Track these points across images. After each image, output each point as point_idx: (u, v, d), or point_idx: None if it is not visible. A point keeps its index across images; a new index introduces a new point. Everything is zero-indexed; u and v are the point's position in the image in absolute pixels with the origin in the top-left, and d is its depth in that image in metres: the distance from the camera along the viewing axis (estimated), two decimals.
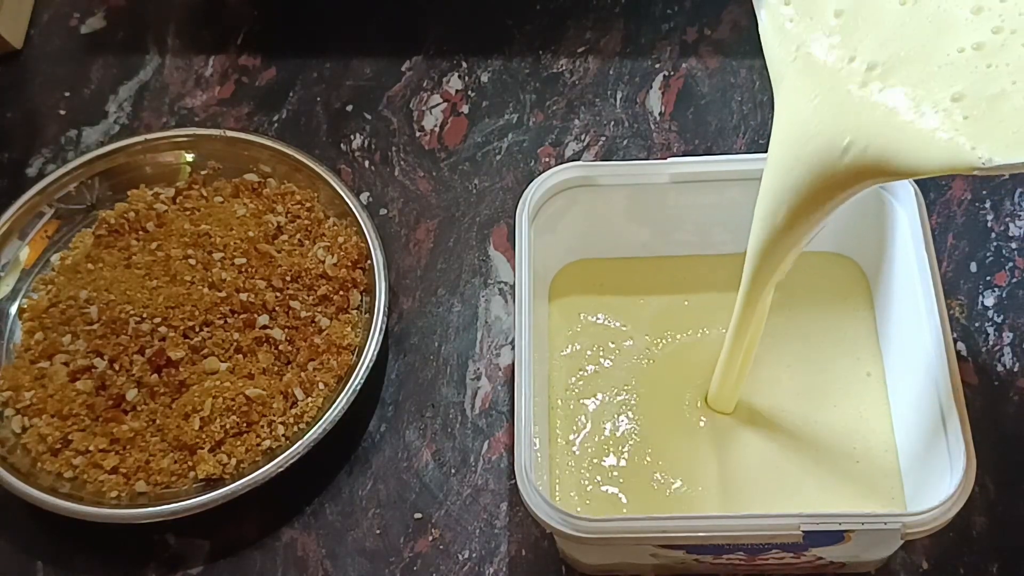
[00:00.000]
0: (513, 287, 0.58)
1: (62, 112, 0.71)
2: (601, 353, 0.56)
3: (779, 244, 0.42)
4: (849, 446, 0.52)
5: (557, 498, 0.52)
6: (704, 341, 0.56)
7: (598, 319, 0.57)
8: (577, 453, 0.53)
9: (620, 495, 0.51)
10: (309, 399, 0.57)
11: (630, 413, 0.54)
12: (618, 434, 0.53)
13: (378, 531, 0.55)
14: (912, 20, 0.34)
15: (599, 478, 0.52)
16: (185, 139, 0.65)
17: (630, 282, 0.58)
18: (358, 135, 0.68)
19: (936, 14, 0.34)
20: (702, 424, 0.53)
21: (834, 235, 0.56)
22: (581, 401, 0.54)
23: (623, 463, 0.52)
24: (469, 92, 0.70)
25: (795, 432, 0.53)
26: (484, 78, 0.70)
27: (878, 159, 0.34)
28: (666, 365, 0.55)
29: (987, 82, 0.32)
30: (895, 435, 0.52)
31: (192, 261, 0.59)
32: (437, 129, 0.68)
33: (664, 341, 0.56)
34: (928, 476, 0.50)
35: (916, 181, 0.52)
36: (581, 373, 0.55)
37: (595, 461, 0.52)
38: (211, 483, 0.54)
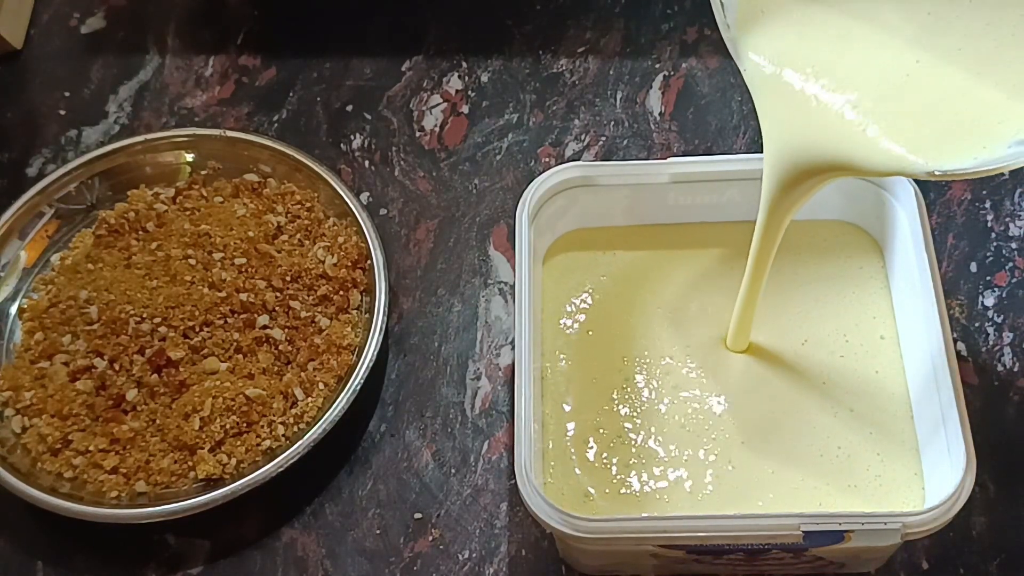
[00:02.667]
0: (513, 287, 0.58)
1: (62, 112, 0.71)
2: (597, 334, 0.55)
3: (779, 207, 0.47)
4: (866, 405, 0.52)
5: (551, 475, 0.51)
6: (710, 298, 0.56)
7: (595, 286, 0.56)
8: (573, 445, 0.52)
9: (622, 485, 0.51)
10: (309, 399, 0.57)
11: (630, 398, 0.53)
12: (617, 425, 0.53)
13: (378, 531, 0.55)
14: (865, 61, 0.42)
15: (596, 467, 0.52)
16: (185, 139, 0.65)
17: (626, 252, 0.58)
18: (358, 135, 0.68)
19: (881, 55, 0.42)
20: (710, 389, 0.53)
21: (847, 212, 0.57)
22: (577, 389, 0.54)
23: (622, 451, 0.52)
24: (469, 92, 0.70)
25: (813, 386, 0.53)
26: (484, 78, 0.70)
27: (838, 161, 0.42)
28: (667, 336, 0.55)
29: (921, 104, 0.40)
30: (911, 397, 0.52)
31: (192, 261, 0.59)
32: (437, 129, 0.68)
33: (664, 309, 0.56)
34: (928, 473, 0.50)
35: (916, 181, 0.53)
36: (577, 359, 0.55)
37: (594, 451, 0.52)
38: (211, 483, 0.54)
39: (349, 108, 0.69)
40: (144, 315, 0.57)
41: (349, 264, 0.60)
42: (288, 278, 0.59)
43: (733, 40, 0.46)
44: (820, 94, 0.43)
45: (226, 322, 0.58)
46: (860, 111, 0.41)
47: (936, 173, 0.39)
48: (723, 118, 0.67)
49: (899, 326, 0.54)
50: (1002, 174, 0.63)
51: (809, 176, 0.45)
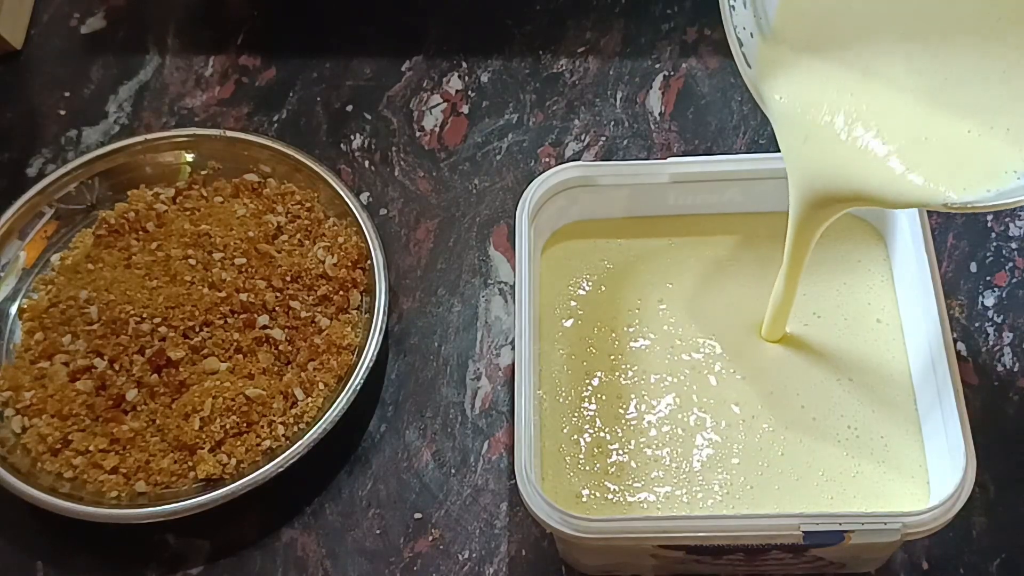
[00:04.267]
0: (513, 287, 0.58)
1: (62, 112, 0.71)
2: (596, 326, 0.55)
3: (806, 227, 0.49)
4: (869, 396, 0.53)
5: (548, 472, 0.51)
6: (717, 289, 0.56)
7: (594, 275, 0.56)
8: (575, 442, 0.52)
9: (624, 482, 0.51)
10: (309, 399, 0.57)
11: (629, 392, 0.53)
12: (618, 420, 0.53)
13: (378, 531, 0.55)
14: (884, 102, 0.44)
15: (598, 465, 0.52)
16: (185, 139, 0.65)
17: (626, 242, 0.57)
18: (358, 135, 0.68)
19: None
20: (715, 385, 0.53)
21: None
22: (578, 386, 0.54)
23: (624, 446, 0.52)
24: (469, 92, 0.70)
25: (816, 375, 0.53)
26: (484, 78, 0.70)
27: (859, 194, 0.44)
28: (666, 325, 0.55)
29: (935, 142, 0.42)
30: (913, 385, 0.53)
31: (192, 261, 0.59)
32: (437, 129, 0.68)
33: (663, 298, 0.56)
34: (932, 470, 0.50)
35: None
36: (576, 352, 0.54)
37: (595, 449, 0.52)
38: (211, 483, 0.54)
39: (349, 108, 0.69)
40: (144, 315, 0.57)
41: (349, 264, 0.60)
42: (288, 278, 0.59)
43: (753, 79, 0.47)
44: (842, 132, 0.44)
45: (226, 322, 0.58)
46: (879, 148, 0.43)
47: (953, 205, 0.41)
48: (723, 118, 0.67)
49: (903, 322, 0.54)
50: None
51: (831, 204, 0.46)
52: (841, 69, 0.45)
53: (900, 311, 0.54)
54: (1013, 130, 0.41)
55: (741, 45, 0.47)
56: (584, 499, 0.50)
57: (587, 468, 0.51)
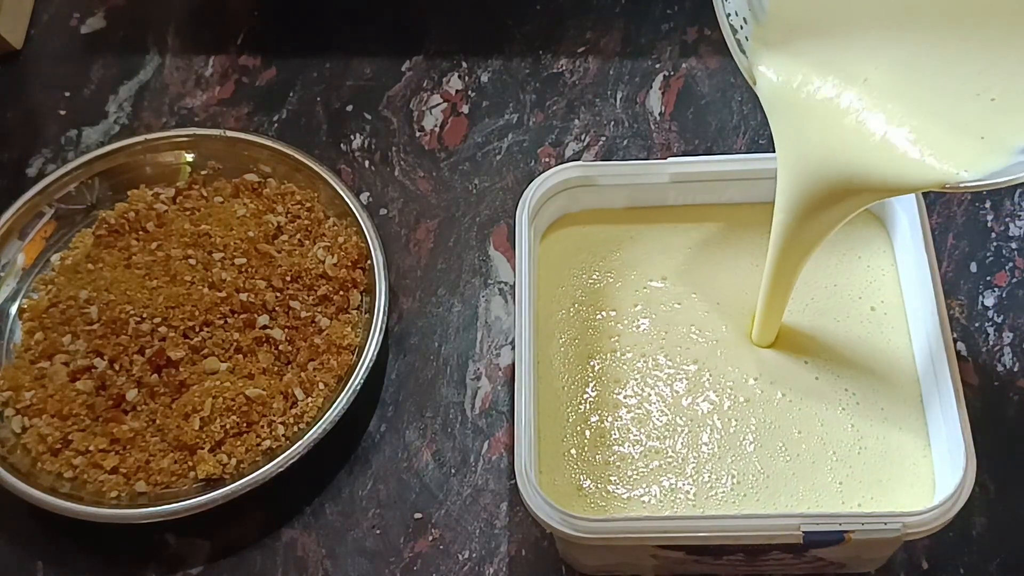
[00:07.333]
0: (513, 287, 0.58)
1: (62, 112, 0.71)
2: (595, 320, 0.55)
3: (795, 242, 0.48)
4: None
5: (545, 468, 0.51)
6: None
7: (595, 266, 0.56)
8: (578, 442, 0.52)
9: (626, 482, 0.51)
10: (309, 399, 0.57)
11: (628, 387, 0.53)
12: (621, 423, 0.52)
13: (378, 531, 0.55)
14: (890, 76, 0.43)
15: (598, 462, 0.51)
16: (185, 139, 0.65)
17: (625, 233, 0.57)
18: (358, 135, 0.68)
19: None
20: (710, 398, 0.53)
21: None
22: (580, 376, 0.54)
23: (625, 447, 0.52)
24: (469, 92, 0.70)
25: (817, 374, 0.53)
26: (484, 78, 0.70)
27: (863, 179, 0.43)
28: (670, 318, 0.55)
29: (942, 117, 0.41)
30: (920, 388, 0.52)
31: (192, 261, 0.59)
32: (437, 129, 0.68)
33: (664, 292, 0.55)
34: (928, 472, 0.50)
35: None
36: (575, 348, 0.54)
37: (598, 447, 0.52)
38: (211, 483, 0.54)
39: (349, 108, 0.69)
40: (144, 315, 0.57)
41: (349, 264, 0.60)
42: (288, 278, 0.59)
43: (747, 65, 0.47)
44: (841, 113, 0.43)
45: (226, 322, 0.58)
46: (879, 128, 0.42)
47: (960, 185, 0.40)
48: (723, 118, 0.67)
49: (907, 317, 0.54)
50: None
51: (828, 201, 0.45)
52: (840, 50, 0.44)
53: (904, 305, 0.54)
54: (1013, 104, 0.40)
55: (735, 32, 0.47)
56: (585, 491, 0.50)
57: (589, 459, 0.51)
